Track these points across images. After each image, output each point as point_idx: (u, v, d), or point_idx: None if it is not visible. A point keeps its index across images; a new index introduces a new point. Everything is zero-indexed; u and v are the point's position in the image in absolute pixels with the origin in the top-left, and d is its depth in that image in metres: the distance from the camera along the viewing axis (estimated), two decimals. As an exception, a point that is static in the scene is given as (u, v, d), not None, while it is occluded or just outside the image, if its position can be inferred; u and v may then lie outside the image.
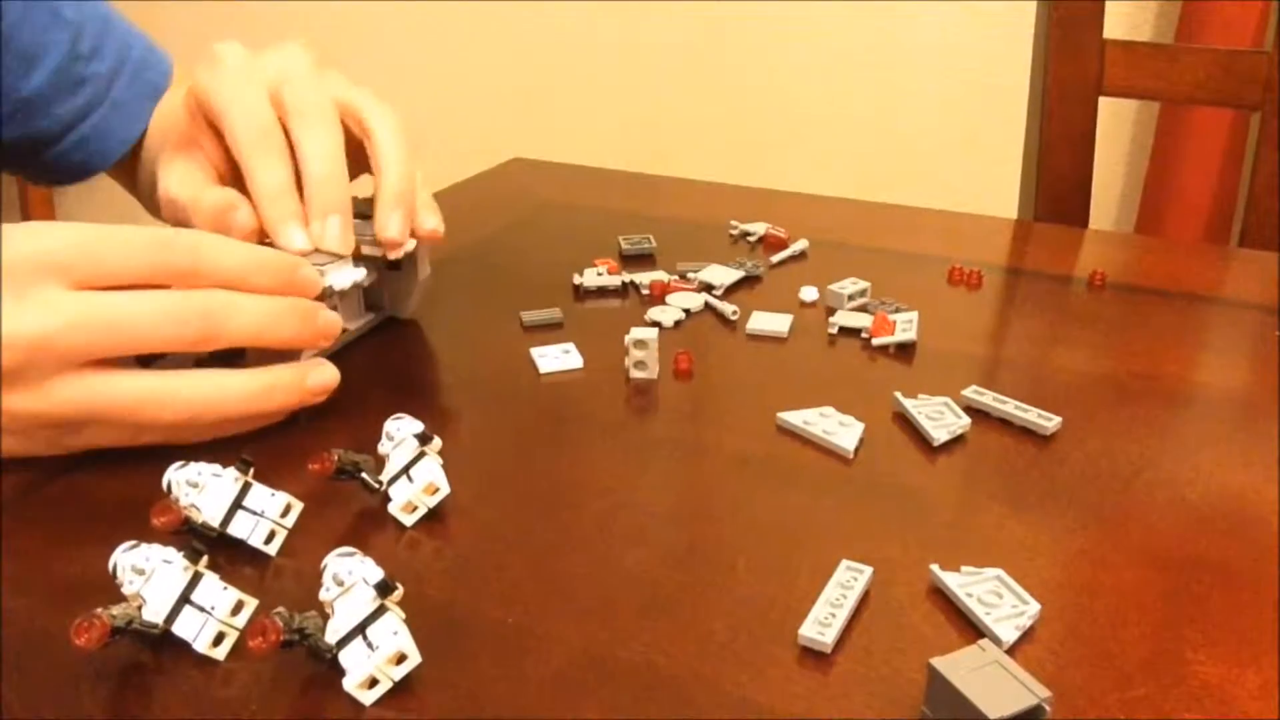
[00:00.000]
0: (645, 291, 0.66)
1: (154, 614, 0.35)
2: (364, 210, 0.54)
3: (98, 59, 0.67)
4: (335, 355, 0.53)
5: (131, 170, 0.72)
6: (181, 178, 0.55)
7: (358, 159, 0.55)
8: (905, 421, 0.51)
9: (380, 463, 0.44)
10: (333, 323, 0.50)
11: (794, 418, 0.50)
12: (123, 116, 0.69)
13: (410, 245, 0.54)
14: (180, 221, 0.54)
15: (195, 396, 0.45)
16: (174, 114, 0.59)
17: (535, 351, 0.57)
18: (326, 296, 0.50)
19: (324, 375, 0.49)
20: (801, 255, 0.72)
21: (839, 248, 0.73)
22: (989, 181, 1.46)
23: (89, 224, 0.44)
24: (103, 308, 0.43)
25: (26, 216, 1.90)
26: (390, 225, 0.53)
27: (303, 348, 0.49)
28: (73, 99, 0.67)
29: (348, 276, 0.52)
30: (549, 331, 0.60)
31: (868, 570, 0.39)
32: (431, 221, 0.55)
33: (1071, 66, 0.99)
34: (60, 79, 0.66)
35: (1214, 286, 0.71)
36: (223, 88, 0.53)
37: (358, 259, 0.53)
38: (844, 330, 0.60)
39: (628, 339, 0.54)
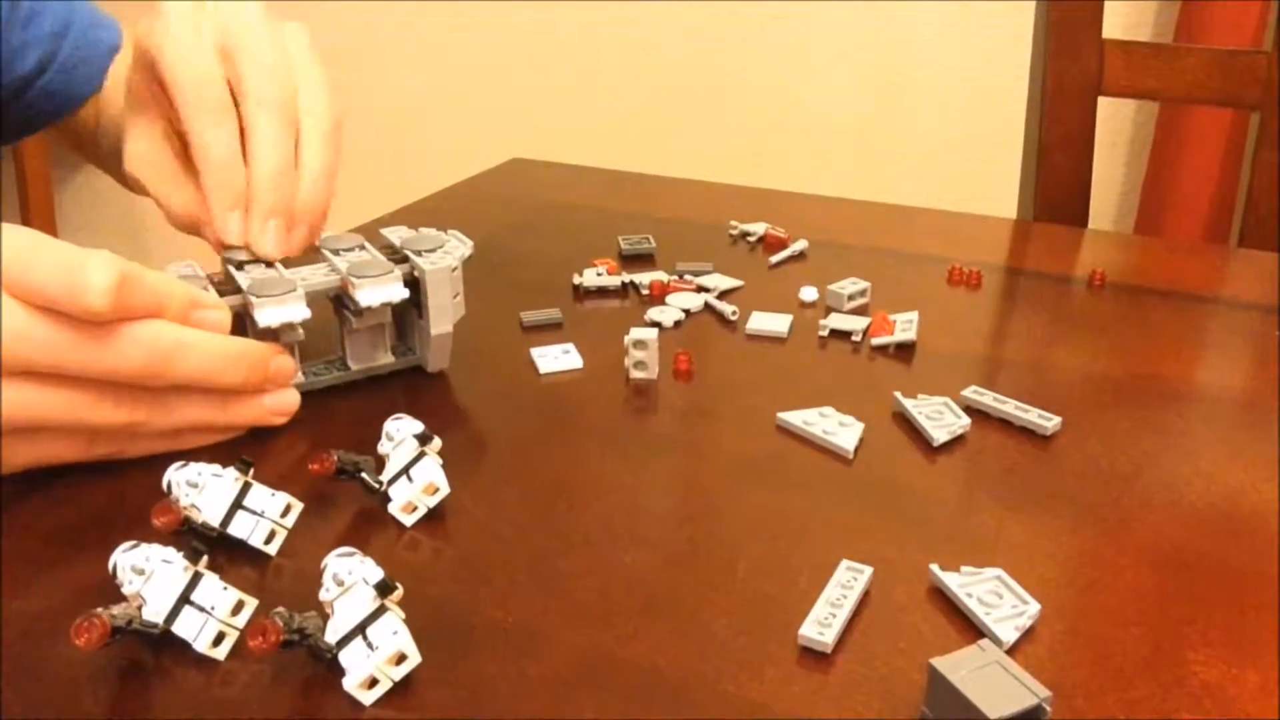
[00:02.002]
0: (645, 292, 0.66)
1: (154, 614, 0.35)
2: (335, 247, 0.53)
3: (37, 23, 0.66)
4: (340, 388, 0.53)
5: (84, 129, 0.71)
6: (143, 155, 0.53)
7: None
8: (905, 421, 0.51)
9: (380, 463, 0.44)
10: (285, 369, 0.48)
11: (794, 418, 0.50)
12: (71, 77, 0.68)
13: (377, 296, 0.49)
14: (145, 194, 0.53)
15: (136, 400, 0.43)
16: (127, 71, 0.56)
17: (535, 351, 0.57)
18: (269, 335, 0.48)
19: (283, 363, 0.48)
20: (801, 255, 0.72)
21: (839, 248, 0.73)
22: (988, 181, 1.46)
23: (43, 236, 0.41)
24: (42, 328, 0.40)
25: (25, 218, 1.90)
26: (229, 227, 0.50)
27: (253, 391, 0.47)
28: (21, 62, 0.66)
29: (278, 314, 0.47)
30: (549, 331, 0.60)
31: (868, 570, 0.39)
32: (267, 243, 0.50)
33: (1070, 67, 0.99)
34: None
35: (1213, 286, 0.71)
36: (166, 45, 0.50)
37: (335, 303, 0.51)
38: (835, 333, 0.60)
39: (627, 339, 0.54)
